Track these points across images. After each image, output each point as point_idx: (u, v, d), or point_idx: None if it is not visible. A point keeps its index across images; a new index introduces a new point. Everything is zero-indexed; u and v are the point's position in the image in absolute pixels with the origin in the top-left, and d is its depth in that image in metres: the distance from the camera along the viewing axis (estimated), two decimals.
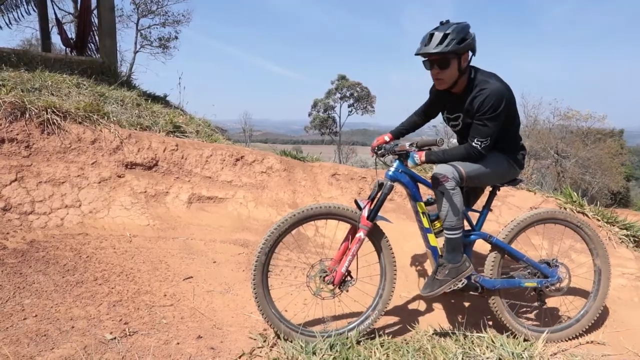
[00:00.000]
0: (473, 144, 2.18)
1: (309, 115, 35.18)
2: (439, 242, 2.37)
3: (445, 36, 2.03)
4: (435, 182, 2.21)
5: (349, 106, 34.45)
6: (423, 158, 2.21)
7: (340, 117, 35.04)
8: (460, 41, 2.04)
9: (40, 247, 2.65)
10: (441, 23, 2.11)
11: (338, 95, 34.17)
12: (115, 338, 2.02)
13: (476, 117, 2.16)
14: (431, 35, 2.07)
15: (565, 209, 3.57)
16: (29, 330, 1.97)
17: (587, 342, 2.48)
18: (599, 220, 3.47)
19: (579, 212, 3.56)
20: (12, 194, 2.91)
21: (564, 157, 20.38)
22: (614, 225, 3.42)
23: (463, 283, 2.27)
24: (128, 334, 2.07)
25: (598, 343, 2.48)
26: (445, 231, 2.25)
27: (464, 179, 2.21)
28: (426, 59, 2.16)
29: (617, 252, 3.24)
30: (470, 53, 2.13)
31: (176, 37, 23.25)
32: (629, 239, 3.31)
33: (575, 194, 3.72)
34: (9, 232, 2.69)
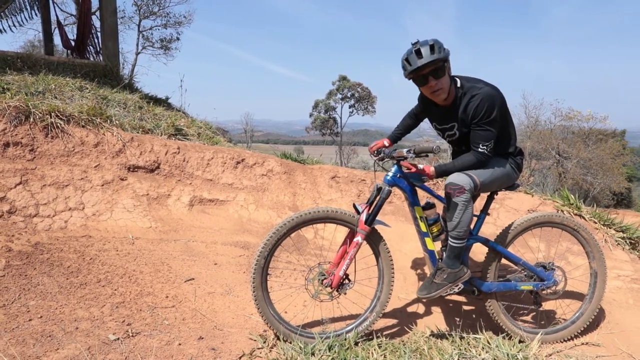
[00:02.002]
0: (479, 149, 2.19)
1: (310, 115, 35.24)
2: (436, 246, 2.41)
3: (432, 46, 2.06)
4: (450, 193, 2.20)
5: (350, 107, 34.50)
6: (433, 173, 2.23)
7: (341, 117, 35.08)
8: (444, 50, 2.10)
9: (45, 249, 2.70)
10: (413, 44, 2.11)
11: (339, 95, 34.21)
12: (118, 339, 2.07)
13: (474, 124, 2.18)
14: (417, 51, 2.07)
15: (562, 211, 3.61)
16: (35, 331, 2.02)
17: (582, 344, 2.52)
18: (595, 223, 3.50)
19: (576, 214, 3.59)
20: (17, 197, 2.96)
21: (565, 157, 20.37)
22: (610, 228, 3.46)
23: (459, 288, 2.32)
24: (131, 334, 2.12)
25: (593, 344, 2.52)
26: (450, 239, 2.28)
27: (478, 188, 2.24)
28: (418, 74, 2.13)
29: (613, 254, 3.27)
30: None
31: (178, 38, 23.32)
32: (625, 241, 3.34)
33: (573, 196, 3.75)
34: (14, 234, 2.74)
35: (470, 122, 2.19)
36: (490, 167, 2.29)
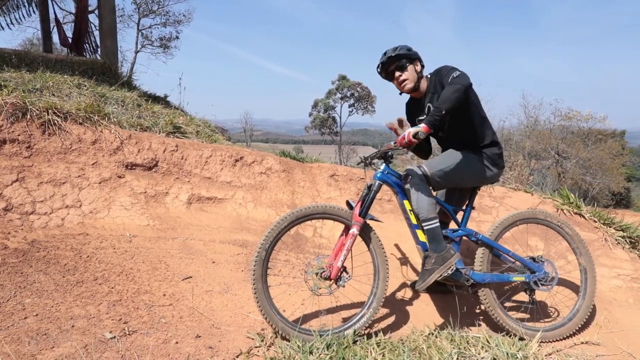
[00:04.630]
0: (450, 79, 2.25)
1: (310, 115, 35.20)
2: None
3: (394, 48, 2.46)
4: (404, 181, 2.43)
5: (349, 106, 34.46)
6: (426, 127, 2.13)
7: (340, 117, 35.06)
8: (407, 50, 2.44)
9: (41, 247, 2.68)
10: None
11: (339, 95, 34.17)
12: (114, 337, 2.05)
13: (444, 86, 2.31)
14: (384, 53, 2.48)
15: (562, 210, 3.60)
16: (30, 329, 2.00)
17: (582, 343, 2.50)
18: (595, 222, 3.48)
19: (576, 213, 3.58)
20: (13, 194, 2.94)
21: (564, 157, 20.37)
22: (610, 227, 3.44)
23: (452, 269, 2.34)
24: (127, 333, 2.10)
25: (593, 343, 2.51)
26: (423, 224, 2.37)
27: (429, 176, 2.41)
28: (388, 71, 2.48)
29: (613, 253, 3.26)
30: (419, 63, 2.48)
31: (177, 37, 23.32)
32: (625, 240, 3.33)
33: (573, 195, 3.74)
34: (10, 232, 2.72)
35: (442, 89, 2.32)
36: (448, 158, 2.46)
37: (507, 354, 2.10)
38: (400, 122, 2.51)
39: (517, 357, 2.09)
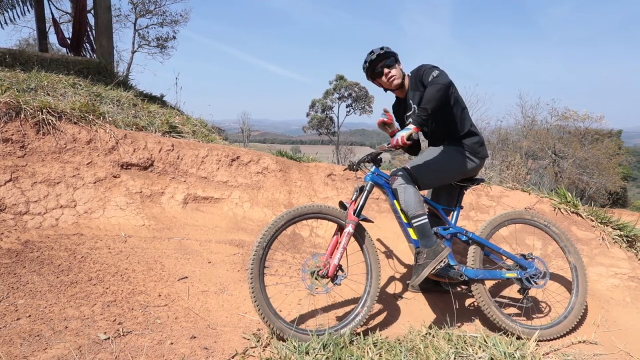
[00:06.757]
0: (430, 79, 2.33)
1: (307, 115, 35.15)
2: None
3: (381, 48, 2.52)
4: (390, 181, 2.47)
5: (347, 106, 34.43)
6: (416, 128, 2.25)
7: (338, 117, 35.02)
8: (392, 50, 2.53)
9: (35, 247, 2.65)
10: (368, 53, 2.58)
11: (336, 95, 34.14)
12: (108, 338, 2.03)
13: (423, 84, 2.40)
14: (370, 53, 2.53)
15: (559, 209, 3.59)
16: (22, 330, 1.98)
17: (579, 342, 2.50)
18: (592, 221, 3.48)
19: (573, 212, 3.57)
20: (6, 194, 2.91)
21: (561, 157, 20.43)
22: (607, 226, 3.44)
23: (444, 262, 2.36)
24: (122, 334, 2.08)
25: (590, 342, 2.50)
26: (412, 222, 2.40)
27: (414, 175, 2.46)
28: (375, 70, 2.52)
29: (610, 252, 3.25)
30: (401, 63, 2.58)
31: (174, 37, 23.23)
32: (622, 239, 3.33)
33: (570, 194, 3.74)
34: (3, 232, 2.69)
35: (422, 87, 2.41)
36: (428, 155, 2.54)
37: (505, 353, 2.09)
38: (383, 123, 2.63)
39: (514, 357, 2.08)
